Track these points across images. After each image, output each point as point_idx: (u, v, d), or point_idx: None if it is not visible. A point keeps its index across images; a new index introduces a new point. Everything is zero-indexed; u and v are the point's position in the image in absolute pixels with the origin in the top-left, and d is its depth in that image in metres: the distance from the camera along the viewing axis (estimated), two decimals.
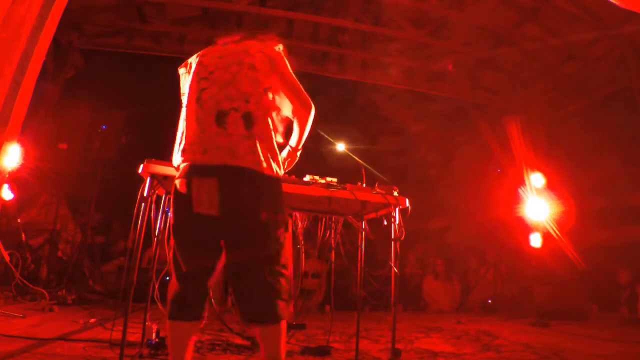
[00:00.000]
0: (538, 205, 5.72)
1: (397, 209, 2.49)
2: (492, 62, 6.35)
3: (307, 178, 2.31)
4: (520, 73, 6.42)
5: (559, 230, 5.42)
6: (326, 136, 4.89)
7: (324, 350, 2.78)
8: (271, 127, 1.56)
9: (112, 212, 6.34)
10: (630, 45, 5.20)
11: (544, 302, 4.96)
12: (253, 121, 1.50)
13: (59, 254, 5.18)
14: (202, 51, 1.70)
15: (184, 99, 1.66)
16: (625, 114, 5.61)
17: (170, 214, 1.57)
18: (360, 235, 2.76)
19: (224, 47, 1.69)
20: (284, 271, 1.48)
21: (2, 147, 1.24)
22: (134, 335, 2.69)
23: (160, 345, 2.48)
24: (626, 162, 5.58)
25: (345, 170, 2.74)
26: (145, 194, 2.05)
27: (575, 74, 6.09)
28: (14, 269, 4.11)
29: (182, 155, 1.54)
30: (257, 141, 1.49)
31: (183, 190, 1.47)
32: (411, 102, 7.33)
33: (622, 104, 5.75)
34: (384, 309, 5.63)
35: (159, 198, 2.40)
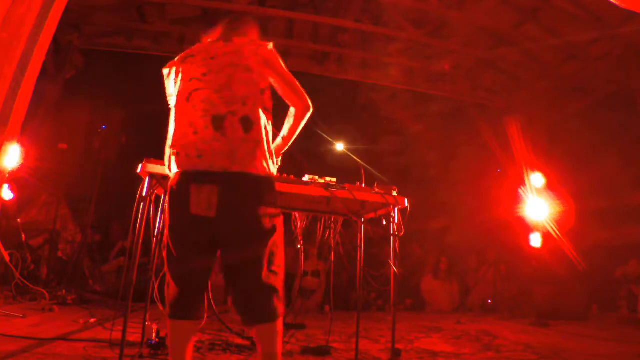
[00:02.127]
0: (538, 205, 5.71)
1: (396, 209, 2.49)
2: (492, 62, 6.34)
3: (306, 178, 2.31)
4: (520, 73, 6.42)
5: (559, 230, 5.42)
6: (326, 136, 4.90)
7: (324, 350, 2.78)
8: (268, 127, 1.57)
9: (112, 212, 6.34)
10: (630, 45, 5.20)
11: (544, 302, 4.96)
12: (251, 124, 1.50)
13: (59, 254, 5.18)
14: (189, 50, 1.67)
15: (172, 100, 1.63)
16: (625, 114, 5.61)
17: (165, 215, 1.57)
18: (359, 235, 2.76)
19: (213, 46, 1.66)
20: (278, 271, 1.49)
21: (2, 147, 1.24)
22: (134, 335, 2.69)
23: (160, 345, 2.48)
24: (626, 162, 5.58)
25: (344, 170, 2.74)
26: (144, 194, 2.06)
27: (575, 74, 6.09)
28: (14, 269, 4.11)
29: (174, 159, 1.52)
30: (255, 144, 1.49)
31: (180, 193, 1.47)
32: (411, 102, 7.34)
33: (622, 104, 5.75)
34: (384, 309, 5.64)
35: (158, 198, 2.40)
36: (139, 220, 2.04)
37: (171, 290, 1.50)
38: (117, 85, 6.49)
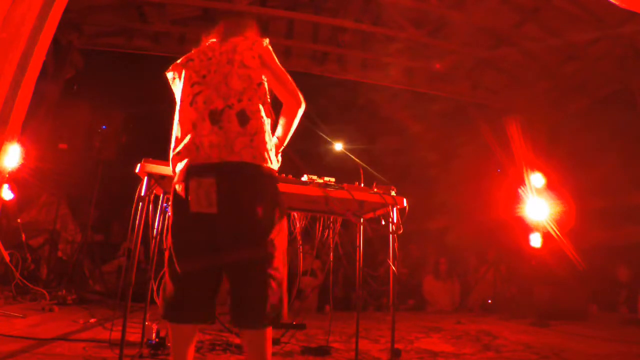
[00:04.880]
0: (538, 205, 5.71)
1: (394, 209, 2.49)
2: (492, 62, 6.35)
3: (304, 178, 2.31)
4: (520, 73, 6.42)
5: (559, 230, 5.42)
6: (325, 136, 4.90)
7: (324, 350, 2.78)
8: (265, 121, 1.57)
9: (112, 212, 6.34)
10: (630, 45, 5.21)
11: (544, 302, 4.95)
12: (247, 118, 1.51)
13: (59, 254, 5.18)
14: (189, 54, 1.70)
15: (178, 105, 1.65)
16: (625, 114, 5.61)
17: (169, 214, 1.57)
18: (358, 234, 2.76)
19: (210, 47, 1.68)
20: (275, 274, 1.44)
21: (2, 147, 1.24)
22: (134, 335, 2.69)
23: (160, 345, 2.48)
24: (626, 162, 5.58)
25: (343, 170, 2.74)
26: (142, 194, 2.06)
27: (575, 74, 6.09)
28: (14, 269, 4.11)
29: (177, 158, 1.53)
30: (252, 137, 1.49)
31: (181, 192, 1.47)
32: (411, 102, 7.34)
33: (622, 104, 5.76)
34: (384, 309, 5.64)
35: (156, 197, 2.40)
36: (137, 220, 2.03)
37: (168, 290, 1.48)
38: (117, 85, 6.49)
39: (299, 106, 1.69)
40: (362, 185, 2.51)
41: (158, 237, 2.39)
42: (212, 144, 1.46)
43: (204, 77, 1.58)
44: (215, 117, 1.49)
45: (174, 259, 1.47)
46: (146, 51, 6.06)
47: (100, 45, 5.96)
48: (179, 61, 1.70)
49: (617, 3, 2.04)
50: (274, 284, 1.42)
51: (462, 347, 3.16)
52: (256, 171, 1.47)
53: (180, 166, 1.51)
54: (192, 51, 1.71)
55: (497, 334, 3.72)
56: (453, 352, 2.98)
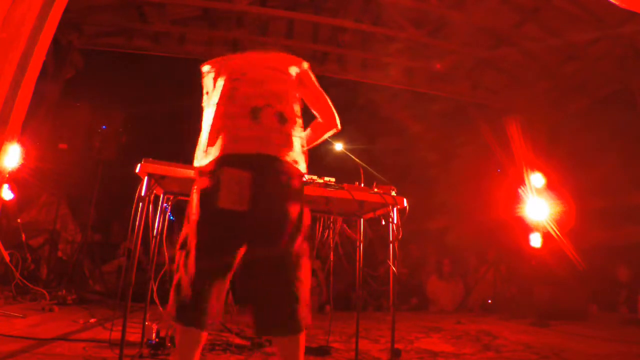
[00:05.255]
0: (538, 205, 5.71)
1: (394, 209, 2.49)
2: (492, 62, 6.35)
3: (305, 177, 2.31)
4: (520, 73, 6.42)
5: (559, 230, 5.42)
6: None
7: (324, 350, 2.78)
8: (300, 126, 1.61)
9: (112, 212, 6.34)
10: (630, 45, 5.20)
11: (544, 302, 4.95)
12: (285, 119, 1.54)
13: (59, 254, 5.18)
14: (229, 55, 1.74)
15: (209, 99, 1.63)
16: (625, 114, 5.61)
17: (193, 211, 1.45)
18: (358, 235, 2.76)
19: (252, 53, 1.75)
20: (303, 278, 1.40)
21: (2, 147, 1.24)
22: (134, 335, 2.69)
23: (160, 345, 2.48)
24: (626, 162, 5.58)
25: (344, 170, 2.73)
26: (142, 194, 2.06)
27: (575, 74, 6.09)
28: (14, 269, 4.11)
29: (208, 152, 1.48)
30: (288, 137, 1.51)
31: (210, 183, 1.40)
32: (411, 102, 7.33)
33: (622, 104, 5.76)
34: (383, 309, 5.64)
35: (156, 198, 2.40)
36: (137, 220, 2.03)
37: (183, 293, 1.38)
38: (117, 85, 6.49)
39: (332, 129, 1.79)
40: (362, 185, 2.51)
41: (158, 237, 2.39)
42: (250, 138, 1.46)
43: (243, 74, 1.61)
44: (255, 113, 1.50)
45: (194, 258, 1.38)
46: (146, 51, 6.06)
47: (100, 45, 5.96)
48: (218, 59, 1.73)
49: (617, 3, 2.04)
50: (304, 288, 1.39)
51: (462, 347, 3.16)
52: (290, 171, 1.46)
53: (210, 157, 1.46)
54: (232, 54, 1.75)
55: (497, 334, 3.72)
56: (453, 352, 2.98)
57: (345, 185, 2.36)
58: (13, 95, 1.25)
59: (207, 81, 1.70)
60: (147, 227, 2.23)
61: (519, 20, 5.45)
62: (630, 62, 5.34)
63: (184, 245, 1.44)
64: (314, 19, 5.69)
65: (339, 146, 3.42)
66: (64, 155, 5.14)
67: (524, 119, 6.34)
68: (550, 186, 5.82)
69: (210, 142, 1.49)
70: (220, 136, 1.47)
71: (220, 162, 1.42)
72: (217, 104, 1.57)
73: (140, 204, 2.04)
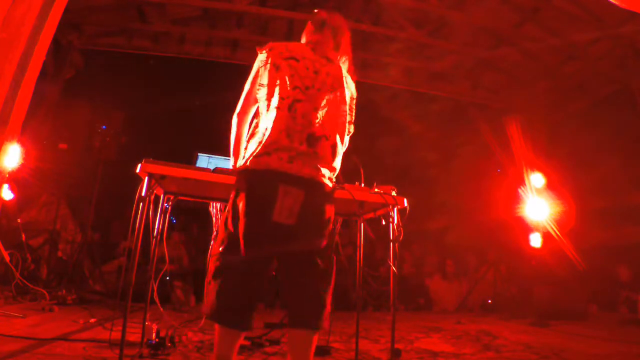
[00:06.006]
0: (538, 205, 5.71)
1: (395, 209, 2.49)
2: (492, 62, 6.35)
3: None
4: (520, 73, 6.42)
5: (559, 230, 5.42)
6: None
7: (324, 350, 2.78)
8: (342, 152, 1.71)
9: (112, 212, 6.34)
10: (630, 45, 5.21)
11: (544, 302, 4.95)
12: (336, 152, 1.65)
13: (59, 254, 5.18)
14: (292, 49, 1.65)
15: (266, 95, 1.60)
16: (625, 114, 5.61)
17: (239, 210, 1.52)
18: (358, 235, 2.76)
19: (315, 59, 1.66)
20: (329, 290, 1.59)
21: (2, 147, 1.24)
22: (134, 335, 2.69)
23: (160, 345, 2.48)
24: (626, 162, 5.58)
25: (343, 170, 2.73)
26: (143, 194, 2.05)
27: (575, 74, 6.09)
28: (14, 269, 4.11)
29: (261, 153, 1.52)
30: (336, 170, 1.68)
31: (263, 194, 1.50)
32: (411, 102, 7.34)
33: (622, 104, 5.76)
34: (384, 309, 5.64)
35: (157, 198, 2.40)
36: (137, 221, 2.03)
37: (225, 294, 1.48)
38: (117, 85, 6.49)
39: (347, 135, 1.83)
40: (363, 185, 2.50)
41: (158, 237, 2.39)
42: (305, 162, 1.54)
43: (307, 88, 1.59)
44: (312, 141, 1.57)
45: (239, 263, 1.49)
46: (146, 51, 6.07)
47: (100, 45, 5.97)
48: (277, 47, 1.65)
49: (617, 3, 2.04)
50: (329, 298, 1.58)
51: (462, 347, 3.16)
52: (333, 198, 1.66)
53: (262, 165, 1.51)
54: (294, 47, 1.66)
55: (497, 334, 3.72)
56: (453, 352, 2.98)
57: (345, 185, 2.36)
58: (13, 95, 1.25)
59: (262, 72, 1.64)
60: (148, 227, 2.23)
61: (519, 21, 5.45)
62: (630, 62, 5.35)
63: (227, 250, 1.52)
64: None
65: None
66: (64, 155, 5.15)
67: (524, 119, 6.34)
68: (550, 186, 5.82)
69: (265, 148, 1.53)
70: (277, 149, 1.53)
71: (276, 177, 1.50)
72: (277, 109, 1.55)
73: (141, 204, 2.04)
